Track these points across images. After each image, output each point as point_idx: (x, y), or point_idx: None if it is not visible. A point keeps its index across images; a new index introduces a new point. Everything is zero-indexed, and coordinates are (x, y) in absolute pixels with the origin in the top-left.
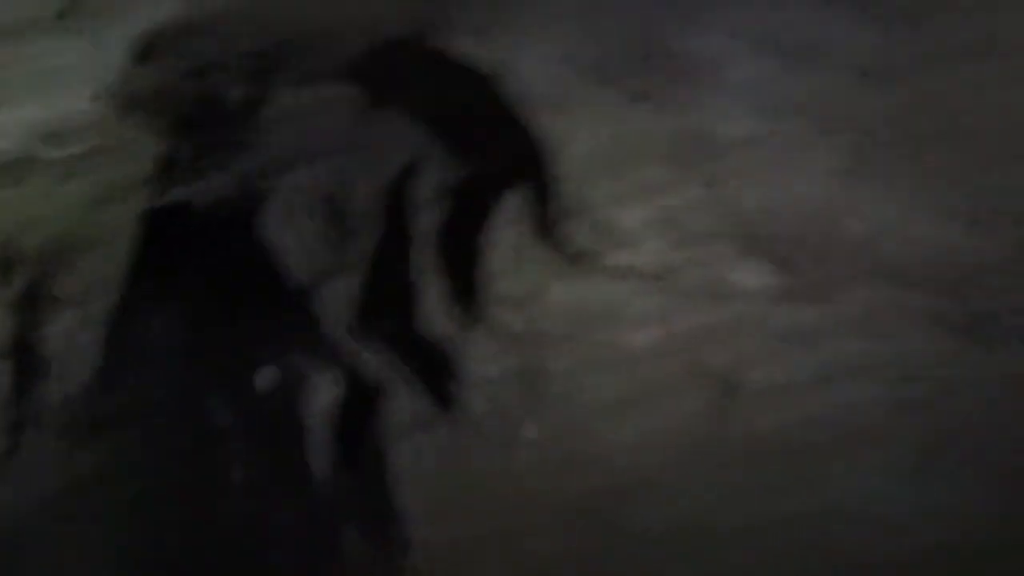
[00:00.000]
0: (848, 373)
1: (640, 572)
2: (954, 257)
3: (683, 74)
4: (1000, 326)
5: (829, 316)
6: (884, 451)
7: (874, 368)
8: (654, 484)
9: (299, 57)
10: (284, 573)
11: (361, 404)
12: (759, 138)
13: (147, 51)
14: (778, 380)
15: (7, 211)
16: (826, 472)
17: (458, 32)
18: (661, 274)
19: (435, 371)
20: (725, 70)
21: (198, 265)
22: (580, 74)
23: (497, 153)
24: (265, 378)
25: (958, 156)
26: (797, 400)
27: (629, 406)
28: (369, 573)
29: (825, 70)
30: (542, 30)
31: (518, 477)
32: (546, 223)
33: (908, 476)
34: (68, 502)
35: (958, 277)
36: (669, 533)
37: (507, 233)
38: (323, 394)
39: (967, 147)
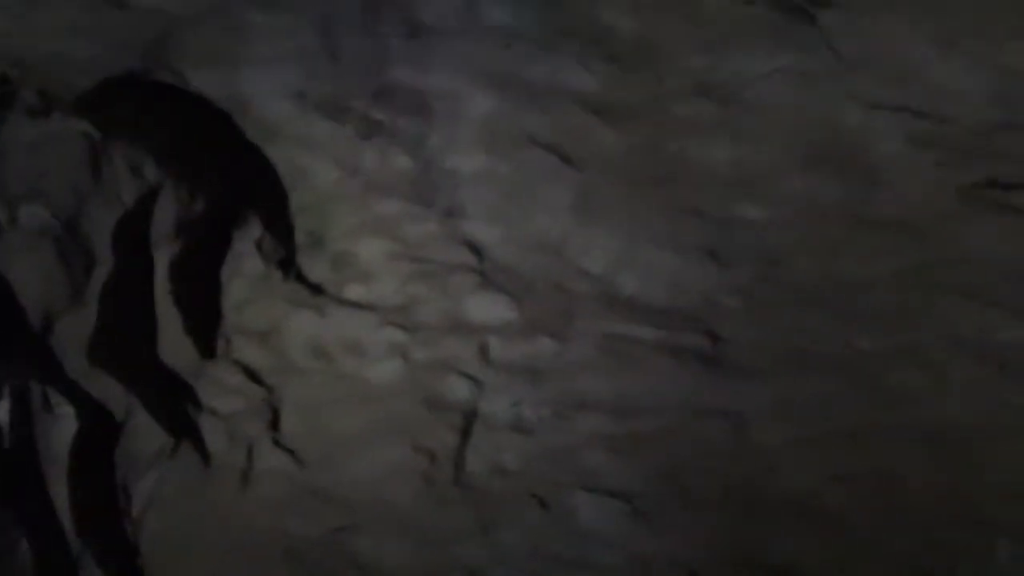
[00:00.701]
0: (583, 406)
1: None
2: (691, 290)
3: (417, 110)
4: (735, 359)
5: (566, 349)
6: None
7: (609, 401)
8: (393, 519)
9: (30, 90)
10: None
11: (101, 436)
12: (495, 172)
13: None
14: (514, 414)
15: None
16: (566, 505)
17: (191, 64)
18: (400, 308)
19: (175, 404)
20: (458, 106)
21: None
22: (316, 108)
23: (234, 185)
24: (3, 412)
25: (692, 192)
26: (535, 436)
27: (371, 440)
28: None
29: (558, 105)
30: (278, 65)
31: (254, 510)
32: (285, 256)
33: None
34: None
35: (695, 309)
36: (403, 568)
37: (246, 266)
38: (63, 428)
39: (700, 184)
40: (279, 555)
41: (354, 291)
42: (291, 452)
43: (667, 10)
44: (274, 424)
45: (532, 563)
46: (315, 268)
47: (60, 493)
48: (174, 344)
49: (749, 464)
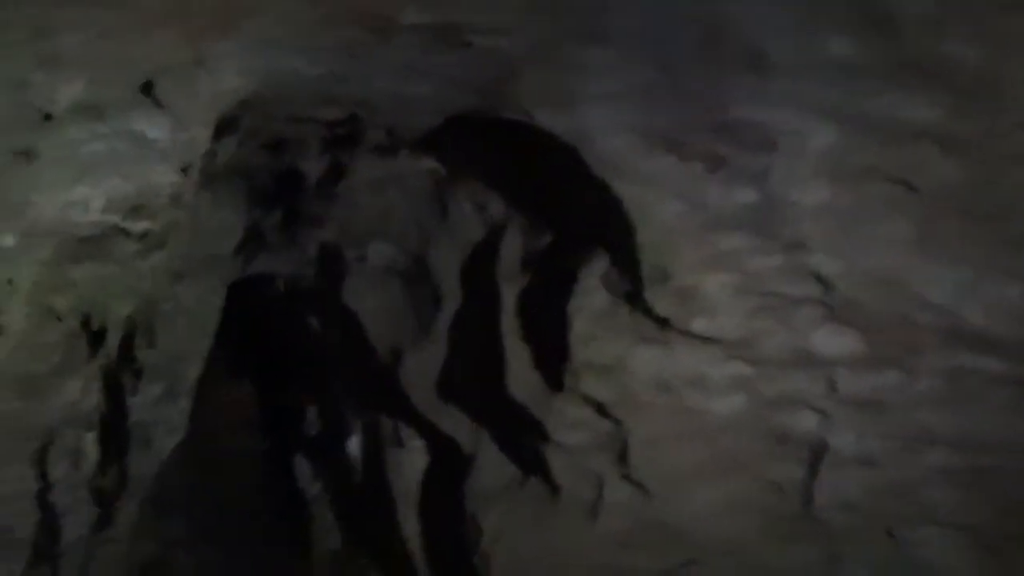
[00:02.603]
0: (930, 440)
1: None
2: None
3: (760, 144)
4: None
5: (911, 382)
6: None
7: (955, 434)
8: (737, 553)
9: (376, 130)
10: None
11: (450, 469)
12: (835, 206)
13: (227, 124)
14: (859, 449)
15: (92, 284)
16: (912, 539)
17: (531, 103)
18: (744, 341)
19: (523, 438)
20: (801, 139)
21: (281, 335)
22: (657, 144)
23: (578, 221)
24: (354, 444)
25: None
26: (880, 469)
27: (714, 473)
28: None
29: (898, 138)
30: (618, 101)
31: (600, 543)
32: (631, 291)
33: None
34: (167, 562)
35: None
36: None
37: (592, 299)
38: (414, 461)
39: None
40: None
41: (699, 325)
42: (638, 485)
43: (1010, 42)
44: (621, 458)
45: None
46: (660, 302)
47: (410, 525)
48: (522, 378)
49: None
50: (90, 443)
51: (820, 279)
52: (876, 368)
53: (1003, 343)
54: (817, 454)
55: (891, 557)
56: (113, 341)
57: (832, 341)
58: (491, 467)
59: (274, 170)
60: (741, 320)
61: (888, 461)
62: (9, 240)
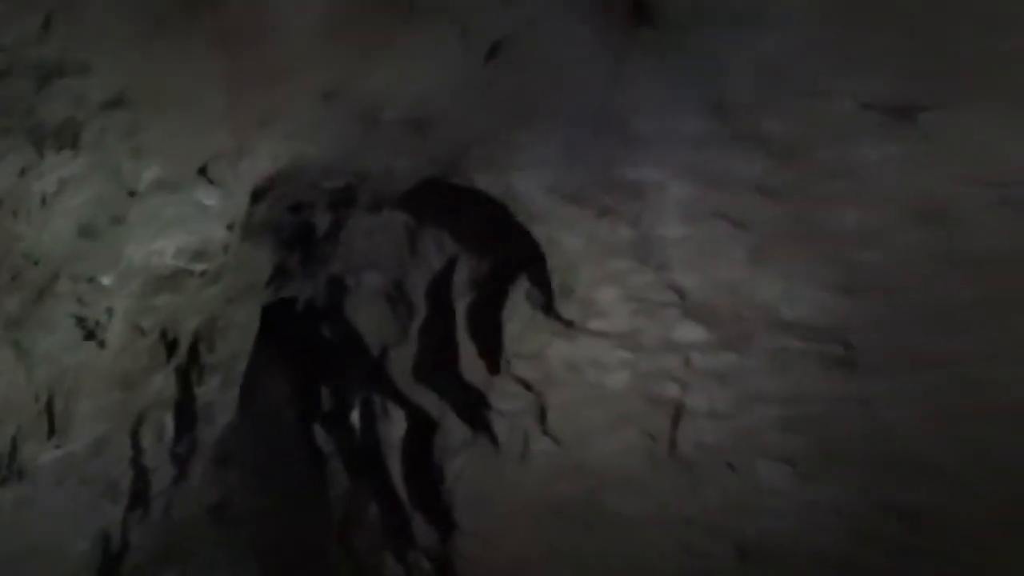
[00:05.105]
0: (759, 399)
1: (618, 535)
2: (831, 313)
3: (634, 195)
4: (867, 361)
5: (745, 358)
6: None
7: (777, 394)
8: (627, 481)
9: (366, 193)
10: (371, 553)
11: (423, 432)
12: (690, 237)
13: (261, 193)
14: (710, 406)
15: (170, 308)
16: (750, 469)
17: (476, 172)
18: (627, 334)
19: (473, 407)
20: (661, 192)
21: (301, 340)
22: (563, 197)
23: (509, 254)
24: (356, 416)
25: (831, 245)
26: (724, 421)
27: (609, 428)
28: (430, 548)
29: (732, 188)
30: (535, 168)
31: (530, 479)
32: (546, 301)
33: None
34: (222, 511)
35: (834, 327)
36: (637, 515)
37: (519, 309)
38: (397, 426)
39: (837, 240)
40: (549, 509)
41: (595, 324)
42: (555, 438)
43: (808, 117)
44: (542, 419)
45: (726, 511)
46: (567, 309)
47: (396, 472)
48: (471, 365)
49: (878, 435)
50: (170, 420)
51: (679, 290)
52: (719, 350)
53: (813, 329)
54: (679, 412)
55: (733, 482)
56: (184, 348)
57: (688, 332)
58: (452, 429)
59: (294, 224)
60: (624, 320)
61: (730, 415)
62: (109, 280)
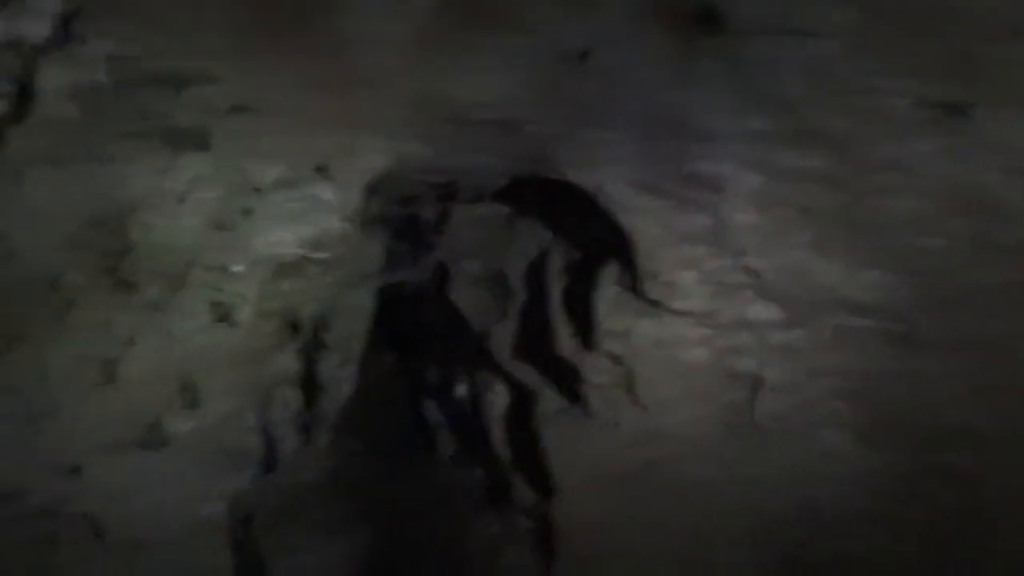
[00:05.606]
0: (826, 372)
1: (695, 497)
2: (889, 295)
3: (710, 187)
4: (919, 338)
5: (813, 335)
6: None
7: (841, 367)
8: (705, 448)
9: (467, 188)
10: (475, 514)
11: (521, 403)
12: (761, 224)
13: (373, 189)
14: (782, 379)
15: (293, 293)
16: (815, 437)
17: (566, 167)
18: (706, 313)
19: (568, 380)
20: (734, 183)
21: (411, 321)
22: (645, 190)
23: (598, 242)
24: (461, 389)
25: (886, 232)
26: (794, 393)
27: (690, 398)
28: (529, 509)
29: (797, 180)
30: (618, 163)
31: (620, 445)
32: (633, 284)
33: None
34: (343, 472)
35: (892, 308)
36: (710, 478)
37: (608, 291)
38: (499, 398)
39: (892, 227)
40: (634, 473)
41: (678, 304)
42: (642, 407)
43: (863, 115)
44: (630, 390)
45: (793, 475)
46: (652, 291)
47: (498, 439)
48: (566, 342)
49: (928, 406)
50: (294, 394)
51: (752, 272)
52: (790, 327)
53: (871, 308)
54: (755, 384)
55: (800, 449)
56: (307, 329)
57: (761, 311)
58: (549, 401)
59: (403, 216)
60: (703, 300)
61: (798, 387)
62: (239, 268)
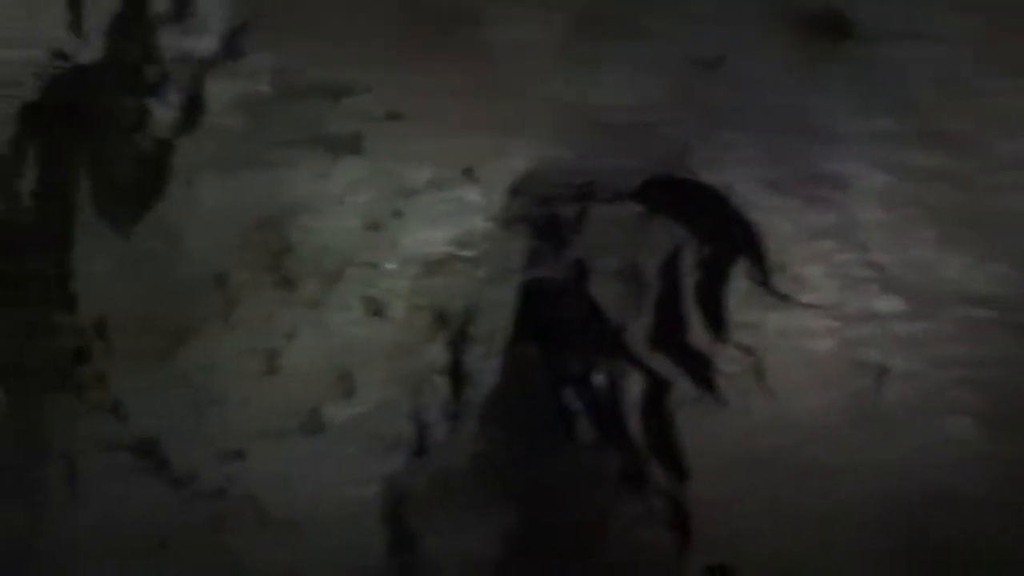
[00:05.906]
0: (950, 363)
1: (820, 482)
2: (1011, 287)
3: (835, 186)
4: None
5: (937, 326)
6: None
7: (965, 358)
8: (834, 434)
9: (603, 188)
10: (613, 496)
11: (657, 391)
12: (887, 220)
13: (516, 190)
14: (906, 369)
15: (441, 288)
16: (940, 426)
17: (698, 168)
18: (833, 306)
19: (701, 370)
20: (860, 182)
21: (551, 315)
22: (772, 188)
23: (729, 238)
24: (599, 378)
25: (1007, 226)
26: (918, 380)
27: (817, 386)
28: (664, 491)
29: (920, 178)
30: (748, 164)
31: (749, 429)
32: (762, 278)
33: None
34: (488, 457)
35: (1014, 299)
36: (829, 462)
37: (738, 285)
38: (635, 387)
39: (1012, 222)
40: (763, 459)
41: (806, 297)
42: (771, 395)
43: (988, 115)
44: (760, 378)
45: (917, 461)
46: (781, 285)
47: (634, 426)
48: (699, 334)
49: None
50: (443, 384)
51: (878, 266)
52: (914, 319)
53: (995, 301)
54: (880, 373)
55: (924, 436)
56: (454, 323)
57: (886, 303)
58: (683, 389)
59: (543, 215)
60: (831, 293)
61: (923, 376)
62: (392, 265)
